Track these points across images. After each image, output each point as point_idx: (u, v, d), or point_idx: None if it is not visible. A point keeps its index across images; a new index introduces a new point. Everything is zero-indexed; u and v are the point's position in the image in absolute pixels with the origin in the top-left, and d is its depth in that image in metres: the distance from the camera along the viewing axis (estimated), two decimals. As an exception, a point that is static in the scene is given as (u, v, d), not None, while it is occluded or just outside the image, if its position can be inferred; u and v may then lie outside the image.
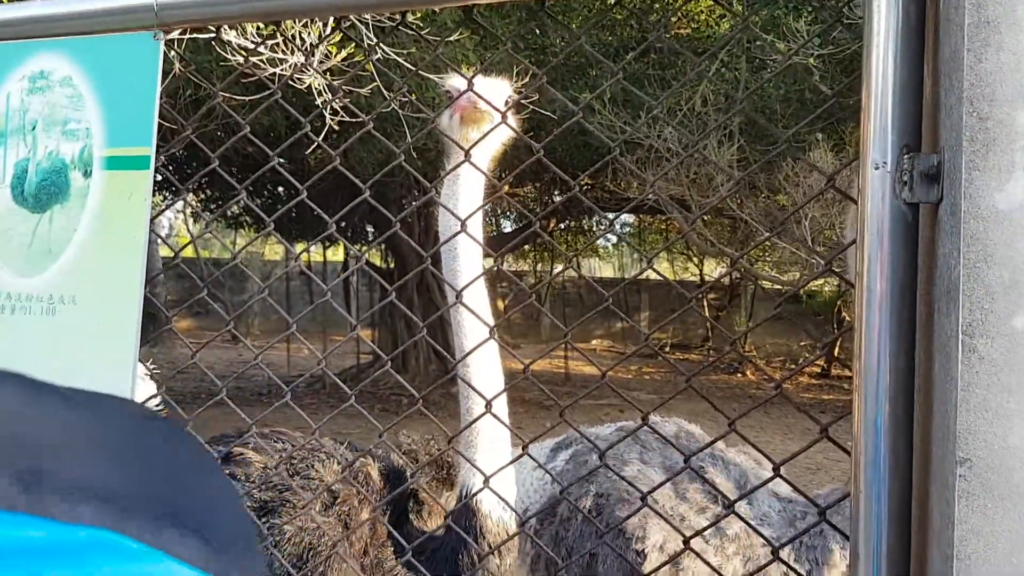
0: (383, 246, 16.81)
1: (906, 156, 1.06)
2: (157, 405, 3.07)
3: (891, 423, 1.06)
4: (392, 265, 15.80)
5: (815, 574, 2.88)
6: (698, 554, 1.90)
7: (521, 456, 1.88)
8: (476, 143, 1.90)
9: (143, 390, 2.12)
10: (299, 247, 19.92)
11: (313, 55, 3.14)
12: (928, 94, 1.07)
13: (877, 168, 1.06)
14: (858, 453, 1.09)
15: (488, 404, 1.83)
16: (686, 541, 1.66)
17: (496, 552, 1.90)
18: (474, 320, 2.02)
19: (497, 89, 2.17)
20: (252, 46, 3.11)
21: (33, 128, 1.46)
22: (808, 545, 2.97)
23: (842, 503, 2.95)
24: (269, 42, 3.13)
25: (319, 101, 3.26)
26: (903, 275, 1.07)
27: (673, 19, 7.88)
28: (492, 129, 2.01)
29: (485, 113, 2.06)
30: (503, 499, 1.80)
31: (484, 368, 2.01)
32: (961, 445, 0.92)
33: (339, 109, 3.35)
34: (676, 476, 3.07)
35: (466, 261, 2.15)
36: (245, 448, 2.06)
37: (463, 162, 1.90)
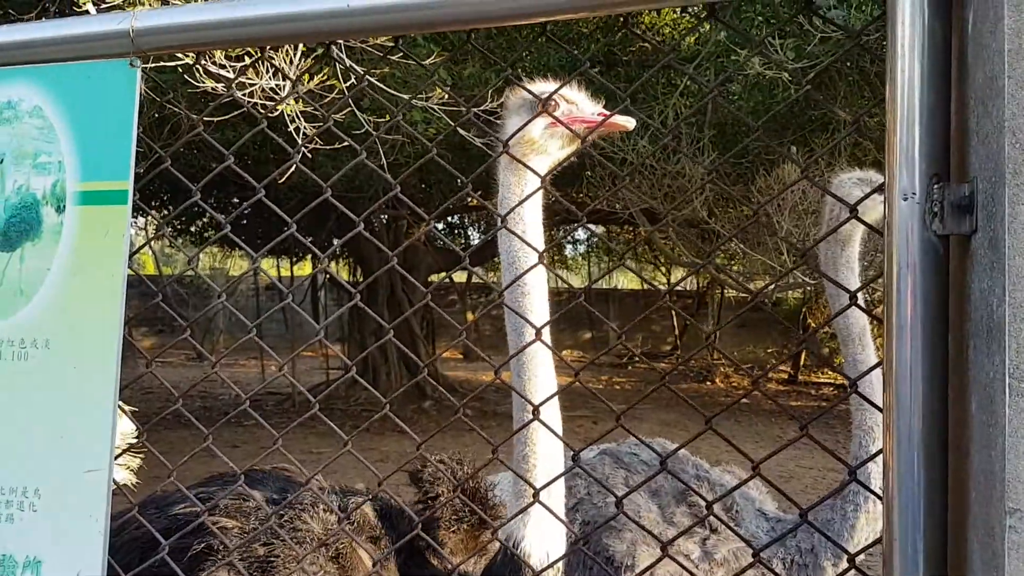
0: (351, 261, 16.64)
1: (936, 186, 1.01)
2: (133, 434, 2.95)
3: (926, 466, 1.02)
4: (360, 279, 15.66)
5: (808, 592, 2.84)
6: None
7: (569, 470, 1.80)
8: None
9: (122, 426, 2.01)
10: (265, 264, 19.65)
11: (287, 80, 3.06)
12: (955, 120, 1.03)
13: (906, 199, 1.02)
14: (891, 497, 1.04)
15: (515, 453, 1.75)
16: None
17: None
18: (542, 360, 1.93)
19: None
20: (216, 68, 3.02)
21: (1, 161, 1.37)
22: (799, 563, 2.93)
23: (831, 520, 2.92)
24: (237, 64, 3.04)
25: (292, 128, 3.19)
26: (935, 309, 1.02)
27: (637, 31, 7.90)
28: (574, 151, 2.00)
29: (583, 131, 2.01)
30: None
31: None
32: (1011, 495, 0.87)
33: (310, 134, 3.27)
34: (652, 486, 3.01)
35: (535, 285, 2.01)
36: (217, 515, 1.95)
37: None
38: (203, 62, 3.00)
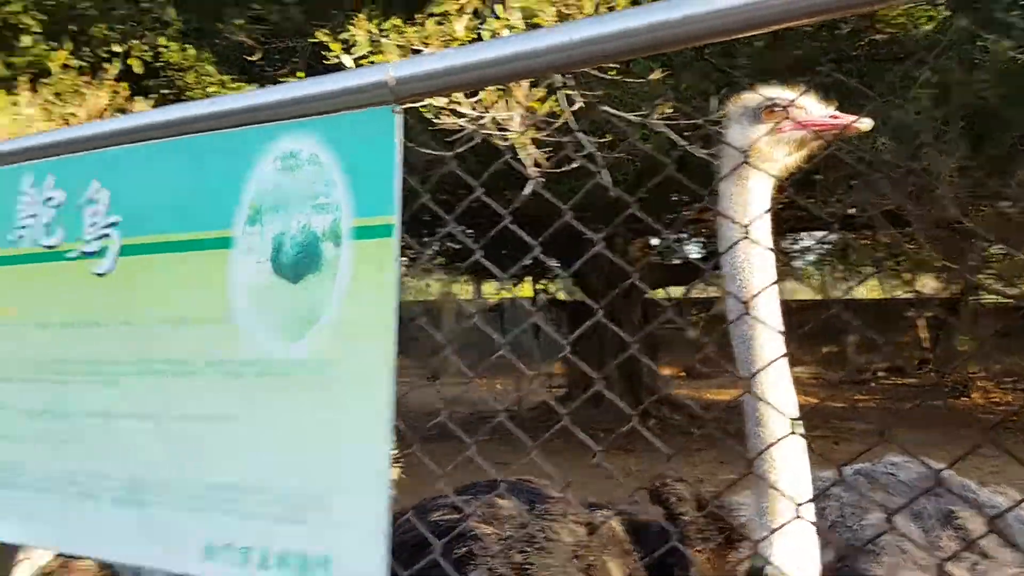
0: (570, 282, 16.92)
1: None
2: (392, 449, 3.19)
3: None
4: (579, 297, 15.87)
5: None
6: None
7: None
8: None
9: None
10: (487, 287, 20.53)
11: (518, 110, 3.22)
12: None
13: None
14: None
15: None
16: None
17: None
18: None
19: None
20: (468, 107, 3.24)
21: (287, 205, 1.56)
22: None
23: None
24: (472, 100, 3.24)
25: (525, 154, 3.36)
26: None
27: (865, 25, 7.45)
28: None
29: (810, 137, 1.99)
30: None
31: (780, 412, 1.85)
32: None
33: (540, 161, 3.42)
34: (914, 508, 2.79)
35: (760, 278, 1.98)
36: (476, 523, 2.07)
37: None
38: (450, 103, 3.23)
